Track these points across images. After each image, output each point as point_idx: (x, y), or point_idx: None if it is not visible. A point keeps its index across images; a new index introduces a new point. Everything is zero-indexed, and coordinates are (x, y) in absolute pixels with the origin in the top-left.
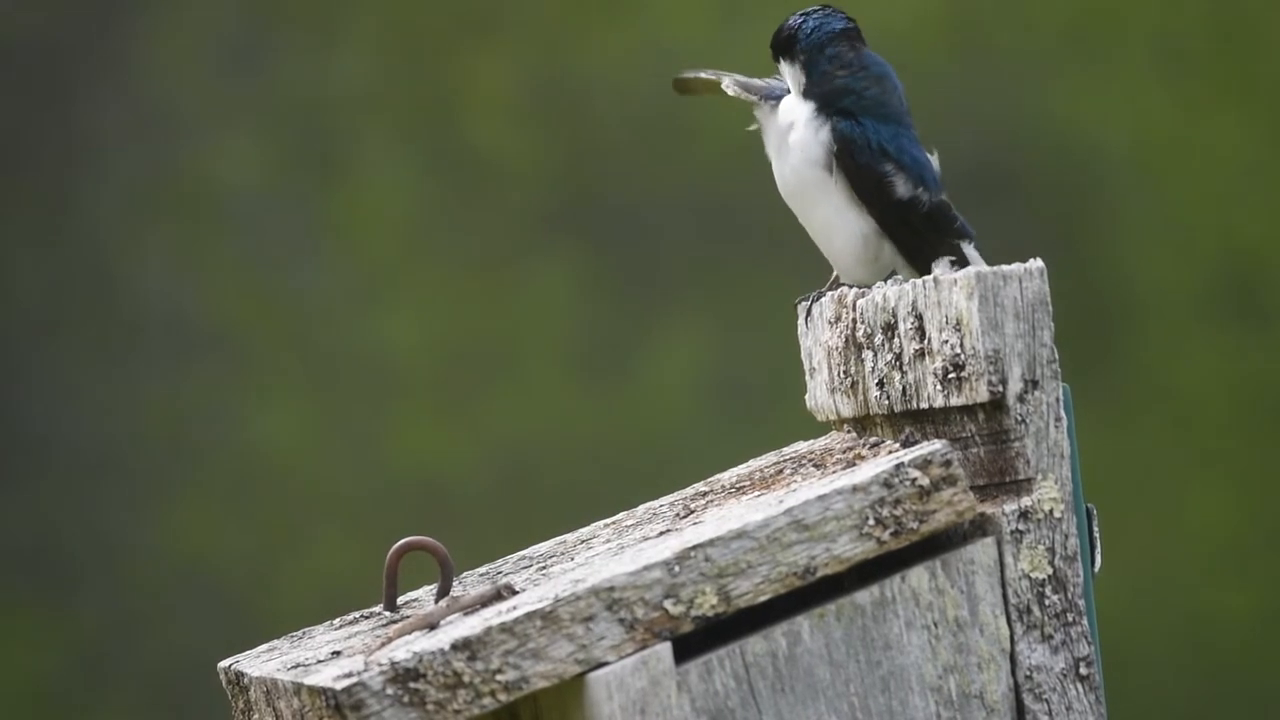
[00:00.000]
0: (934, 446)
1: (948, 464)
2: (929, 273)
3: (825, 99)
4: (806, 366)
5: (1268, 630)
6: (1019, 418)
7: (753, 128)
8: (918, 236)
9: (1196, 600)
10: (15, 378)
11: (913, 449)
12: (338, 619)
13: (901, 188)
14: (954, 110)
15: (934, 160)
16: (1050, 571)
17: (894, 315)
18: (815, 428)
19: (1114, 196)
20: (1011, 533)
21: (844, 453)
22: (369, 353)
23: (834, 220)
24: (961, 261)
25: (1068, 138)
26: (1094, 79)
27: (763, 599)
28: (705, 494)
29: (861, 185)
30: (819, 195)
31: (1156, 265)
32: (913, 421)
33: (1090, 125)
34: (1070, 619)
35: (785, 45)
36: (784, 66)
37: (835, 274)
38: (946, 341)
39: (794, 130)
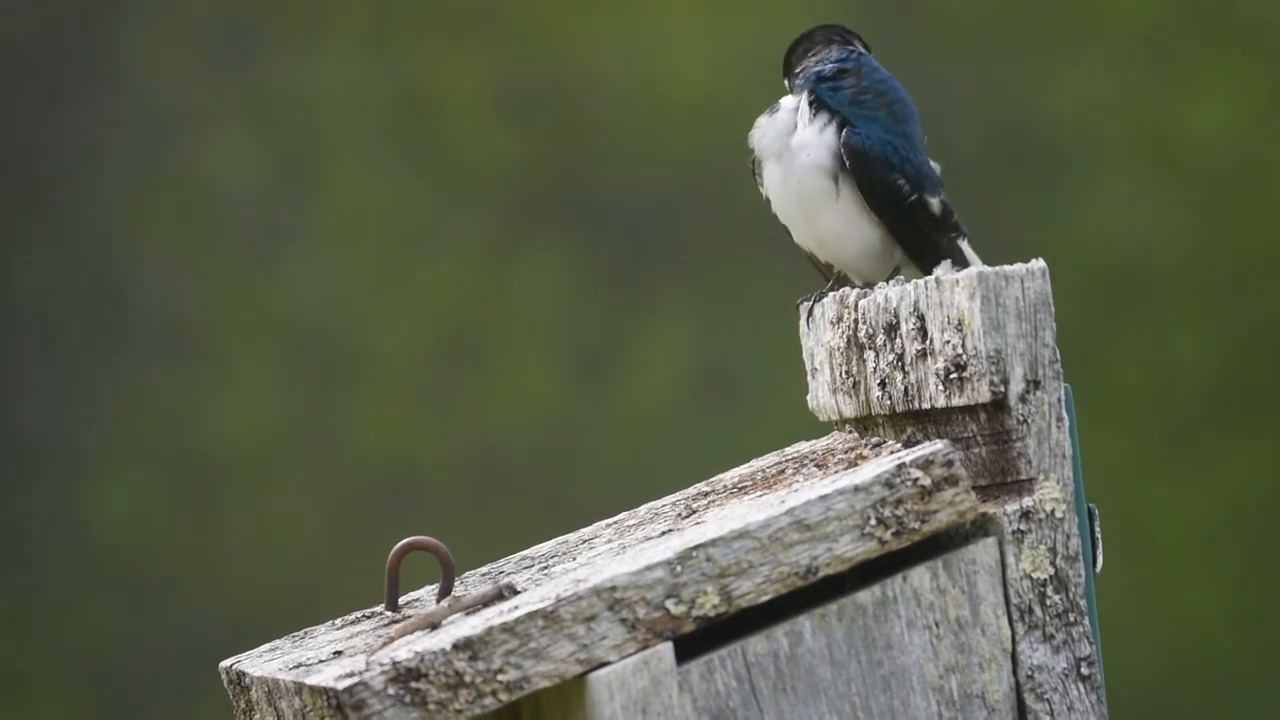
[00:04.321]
0: (936, 446)
1: (949, 464)
2: (933, 270)
3: (829, 106)
4: (808, 367)
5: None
6: (1021, 418)
7: (752, 149)
8: (925, 239)
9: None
10: (9, 374)
11: (915, 449)
12: (339, 619)
13: (911, 196)
14: (946, 104)
15: (936, 167)
16: (1052, 571)
17: (896, 316)
18: (816, 427)
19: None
20: (1013, 533)
21: (846, 453)
22: (361, 350)
23: (844, 230)
24: (961, 261)
25: (1054, 128)
26: (1080, 70)
27: (764, 599)
28: (707, 494)
29: (875, 198)
30: (826, 204)
31: (1133, 259)
32: (915, 422)
33: (1072, 115)
34: (1072, 619)
35: (786, 67)
36: (787, 82)
37: (838, 270)
38: (948, 342)
39: (796, 132)
